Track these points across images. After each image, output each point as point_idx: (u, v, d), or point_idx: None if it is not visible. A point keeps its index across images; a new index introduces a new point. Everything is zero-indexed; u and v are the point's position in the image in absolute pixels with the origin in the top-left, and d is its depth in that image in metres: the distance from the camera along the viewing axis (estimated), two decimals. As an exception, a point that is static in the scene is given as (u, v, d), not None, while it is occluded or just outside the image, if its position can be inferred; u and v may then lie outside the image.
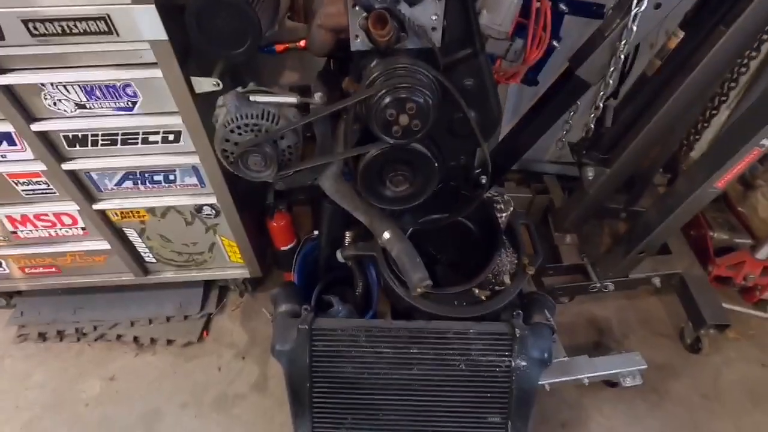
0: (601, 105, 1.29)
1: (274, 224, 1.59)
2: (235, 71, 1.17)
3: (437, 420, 1.29)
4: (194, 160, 1.23)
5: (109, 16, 0.91)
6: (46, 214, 1.37)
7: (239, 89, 0.87)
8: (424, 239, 1.51)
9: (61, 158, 1.20)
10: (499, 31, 0.93)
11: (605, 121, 1.40)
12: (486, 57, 0.85)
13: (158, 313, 1.70)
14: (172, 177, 1.29)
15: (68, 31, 0.93)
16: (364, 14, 0.75)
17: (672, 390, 1.52)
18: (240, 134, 0.84)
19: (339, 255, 1.47)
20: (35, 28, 0.92)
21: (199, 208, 1.39)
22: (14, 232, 1.42)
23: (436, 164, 0.92)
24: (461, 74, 0.86)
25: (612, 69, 1.19)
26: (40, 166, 1.21)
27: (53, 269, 1.57)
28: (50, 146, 1.17)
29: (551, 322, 1.30)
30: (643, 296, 1.78)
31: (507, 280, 1.36)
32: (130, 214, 1.39)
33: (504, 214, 1.43)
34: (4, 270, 1.57)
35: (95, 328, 1.68)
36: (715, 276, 1.67)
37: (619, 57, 1.16)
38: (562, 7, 1.32)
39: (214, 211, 1.40)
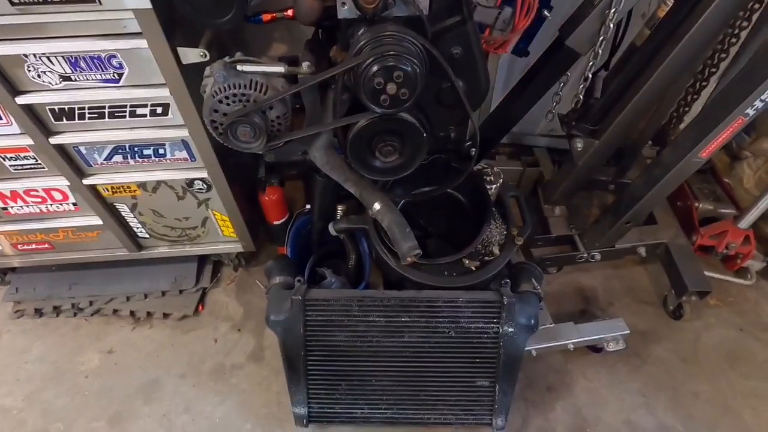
0: (590, 75, 1.29)
1: (266, 198, 1.60)
2: (223, 42, 1.15)
3: (428, 385, 1.34)
4: (183, 133, 1.22)
5: (90, -16, 0.89)
6: (36, 190, 1.37)
7: (227, 59, 0.86)
8: (416, 212, 1.53)
9: (49, 132, 1.19)
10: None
11: (594, 91, 1.40)
12: (474, 25, 0.85)
13: (153, 287, 1.72)
14: (161, 151, 1.29)
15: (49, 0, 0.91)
16: (351, -20, 0.75)
17: (653, 354, 1.58)
18: (228, 104, 0.84)
19: (331, 228, 1.49)
20: (15, -4, 0.90)
21: (190, 183, 1.39)
22: (5, 209, 1.42)
23: (424, 134, 0.93)
24: (449, 42, 0.86)
25: (602, 38, 1.19)
26: (27, 141, 1.20)
27: (46, 245, 1.58)
28: (37, 120, 1.16)
29: (538, 291, 1.34)
30: (629, 266, 1.83)
31: (496, 250, 1.39)
32: (121, 189, 1.39)
33: (493, 186, 1.45)
34: (-3, 247, 1.57)
35: (91, 303, 1.70)
36: (699, 245, 1.71)
37: (609, 26, 1.16)
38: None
39: (205, 186, 1.40)
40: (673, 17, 1.20)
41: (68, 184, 1.33)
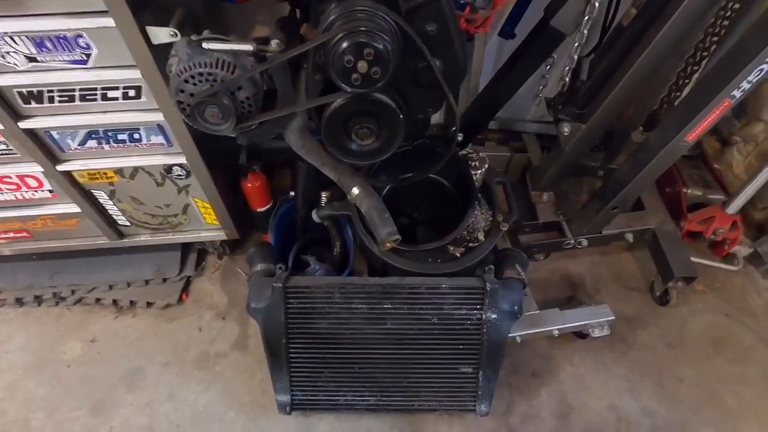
0: (576, 57, 1.26)
1: (249, 185, 1.57)
2: (198, 23, 1.11)
3: (411, 371, 1.33)
4: (158, 117, 1.19)
5: (49, -42, 0.85)
6: (9, 177, 1.33)
7: (192, 37, 0.83)
8: (402, 199, 1.51)
9: (18, 116, 1.16)
10: (467, -25, 0.89)
11: (581, 74, 1.37)
12: (450, 1, 0.81)
13: (136, 276, 1.70)
14: (137, 136, 1.25)
15: (6, -26, 0.87)
16: (320, -48, 0.72)
17: (639, 340, 1.58)
18: (195, 84, 0.81)
19: (314, 215, 1.47)
20: (-29, -29, 0.86)
21: (168, 169, 1.36)
22: (-21, 196, 1.39)
23: (401, 116, 0.91)
24: (424, 19, 0.83)
25: (587, 18, 1.16)
26: (-4, 125, 1.16)
27: (24, 234, 1.55)
28: (4, 103, 1.12)
29: (522, 277, 1.33)
30: (617, 252, 1.82)
31: (481, 237, 1.38)
32: (98, 176, 1.36)
33: (479, 172, 1.43)
34: (-26, 235, 1.54)
35: (73, 292, 1.67)
36: (687, 231, 1.70)
37: (594, 5, 1.13)
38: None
39: (184, 172, 1.37)
40: (661, -3, 1.17)
41: (42, 170, 1.30)
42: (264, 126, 0.92)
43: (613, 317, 1.46)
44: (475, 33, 1.09)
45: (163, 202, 1.49)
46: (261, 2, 1.00)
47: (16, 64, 1.05)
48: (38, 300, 1.67)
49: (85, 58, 1.05)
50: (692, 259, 1.62)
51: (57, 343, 1.59)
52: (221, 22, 1.43)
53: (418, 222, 1.58)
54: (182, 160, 1.32)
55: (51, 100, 1.13)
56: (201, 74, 0.80)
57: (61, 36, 1.00)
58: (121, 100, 1.15)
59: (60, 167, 1.29)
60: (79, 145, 1.26)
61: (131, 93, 1.14)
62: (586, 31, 1.19)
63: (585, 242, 1.65)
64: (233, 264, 1.78)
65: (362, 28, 0.73)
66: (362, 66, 0.75)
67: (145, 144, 1.28)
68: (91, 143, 1.26)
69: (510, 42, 1.60)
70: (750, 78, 1.09)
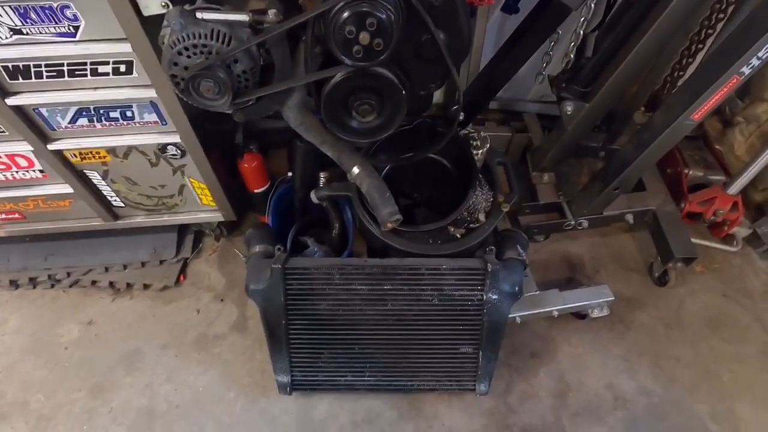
0: (582, 33, 1.22)
1: (245, 165, 1.54)
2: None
3: (411, 352, 1.33)
4: (151, 93, 1.15)
5: None
6: (-1, 156, 1.30)
7: (186, 6, 0.79)
8: (402, 179, 1.49)
9: (5, 92, 1.11)
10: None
11: (586, 51, 1.34)
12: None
13: (132, 258, 1.68)
14: (129, 114, 1.22)
15: (-14, -62, 0.82)
16: None
17: (637, 320, 1.59)
18: (189, 57, 0.77)
19: (313, 196, 1.45)
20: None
21: (162, 148, 1.32)
22: (-32, 176, 1.35)
23: (403, 91, 0.88)
24: (428, -13, 0.79)
25: (593, -9, 1.12)
26: (-19, 102, 1.12)
27: (17, 215, 1.52)
28: (-10, 79, 1.08)
29: (523, 258, 1.32)
30: (617, 234, 1.81)
31: (482, 217, 1.36)
32: (90, 155, 1.32)
33: (480, 152, 1.40)
34: (-36, 217, 1.51)
35: (68, 274, 1.65)
36: (687, 212, 1.70)
37: (602, -23, 1.09)
38: None
39: (179, 151, 1.34)
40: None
41: (32, 149, 1.26)
42: (261, 102, 0.89)
43: (613, 298, 1.47)
44: (479, 5, 1.05)
45: (158, 183, 1.46)
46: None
47: (0, 37, 1.00)
48: (33, 282, 1.65)
49: (73, 30, 1.01)
50: (692, 240, 1.62)
51: (53, 326, 1.57)
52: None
53: (419, 203, 1.56)
54: (177, 139, 1.28)
55: (39, 75, 1.09)
56: (195, 46, 0.76)
57: (47, 6, 0.96)
58: (111, 76, 1.11)
59: (50, 146, 1.26)
60: (69, 123, 1.22)
61: (122, 68, 1.10)
62: (593, 5, 1.15)
63: (585, 223, 1.64)
64: (231, 246, 1.77)
65: (364, -2, 0.70)
66: (364, 37, 0.72)
67: (138, 122, 1.24)
68: (82, 121, 1.22)
69: (512, 18, 1.56)
70: (760, 54, 1.06)
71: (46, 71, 1.08)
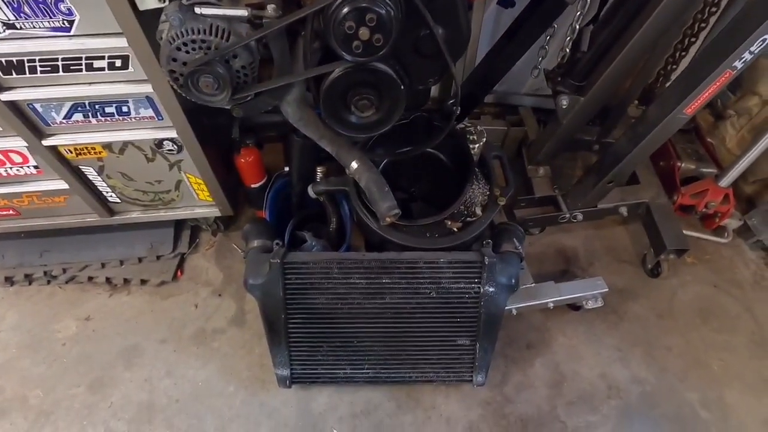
0: (578, 27, 1.23)
1: (242, 160, 1.54)
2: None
3: (409, 344, 1.35)
4: (147, 89, 1.14)
5: None
6: (-8, 152, 1.28)
7: (183, 1, 0.78)
8: (399, 173, 1.50)
9: (-2, 87, 1.10)
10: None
11: (581, 45, 1.35)
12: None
13: (129, 254, 1.67)
14: (125, 109, 1.21)
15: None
16: None
17: (630, 311, 1.62)
18: (187, 52, 0.77)
19: (310, 191, 1.45)
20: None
21: (159, 143, 1.32)
22: (-39, 172, 1.34)
23: (402, 87, 0.88)
24: (428, -17, 0.80)
25: (590, -15, 1.12)
26: (-26, 97, 1.11)
27: (11, 211, 1.51)
28: (-17, 74, 1.06)
29: (519, 251, 1.34)
30: (611, 226, 1.84)
31: (479, 211, 1.37)
32: (86, 151, 1.31)
33: (477, 145, 1.41)
34: (-42, 213, 1.50)
35: (65, 270, 1.65)
36: (680, 204, 1.72)
37: (598, -29, 1.10)
38: None
39: (175, 147, 1.33)
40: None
41: (26, 145, 1.25)
42: (260, 97, 0.89)
43: (607, 289, 1.49)
44: (479, 0, 1.05)
45: (155, 178, 1.45)
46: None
47: (-7, 32, 0.99)
48: (29, 279, 1.65)
49: (68, 25, 1.00)
50: (684, 232, 1.65)
51: (51, 322, 1.57)
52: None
53: (416, 196, 1.57)
54: (173, 134, 1.28)
55: (33, 70, 1.08)
56: (194, 41, 0.76)
57: (41, 0, 0.94)
58: (107, 71, 1.10)
59: (45, 142, 1.25)
60: (64, 118, 1.21)
61: (118, 63, 1.09)
62: (589, 0, 1.16)
63: (580, 216, 1.66)
64: (228, 240, 1.77)
65: (363, -8, 0.70)
66: (363, 33, 0.72)
67: (134, 117, 1.23)
68: (77, 116, 1.21)
69: (508, 11, 1.56)
70: (753, 48, 1.08)
71: (41, 66, 1.07)
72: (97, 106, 1.19)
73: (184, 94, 0.84)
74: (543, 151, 1.69)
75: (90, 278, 1.65)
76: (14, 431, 1.36)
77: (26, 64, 1.07)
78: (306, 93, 0.97)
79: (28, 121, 1.20)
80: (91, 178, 1.41)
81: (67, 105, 1.18)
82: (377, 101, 0.90)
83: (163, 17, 0.81)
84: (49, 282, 1.65)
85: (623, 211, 1.68)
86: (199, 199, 1.57)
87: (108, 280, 1.65)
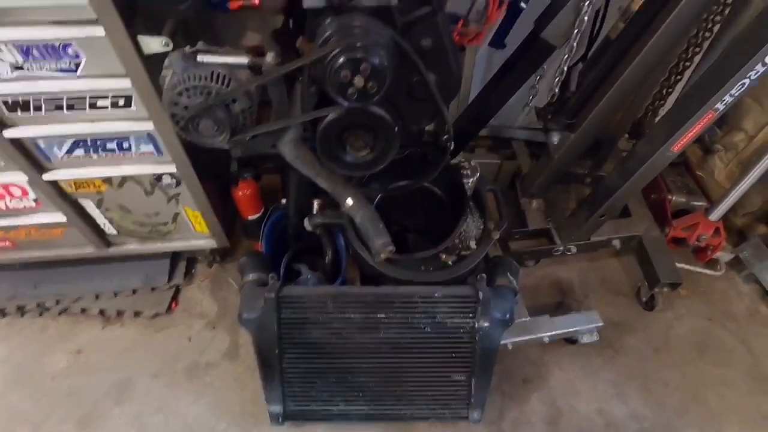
0: (566, 69, 1.28)
1: (240, 193, 1.56)
2: (190, 31, 1.10)
3: (404, 380, 1.33)
4: (148, 126, 1.17)
5: (38, -33, 0.84)
6: (-7, 186, 1.30)
7: (187, 48, 0.82)
8: (393, 207, 1.51)
9: (2, 125, 1.13)
10: (460, -10, 0.90)
11: (570, 85, 1.40)
12: (444, 15, 0.82)
13: (124, 285, 1.67)
14: (126, 145, 1.23)
15: (-6, -17, 0.85)
16: (316, -30, 0.72)
17: (626, 344, 1.61)
18: (189, 97, 0.80)
19: (306, 224, 1.46)
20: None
21: (158, 178, 1.34)
22: (-40, 205, 1.35)
23: (396, 128, 0.91)
24: (419, 34, 0.84)
25: (576, 31, 1.18)
26: (-22, 134, 1.13)
27: (7, 243, 1.51)
28: (-12, 112, 1.09)
29: (514, 285, 1.35)
30: (604, 258, 1.85)
31: (473, 245, 1.39)
32: (85, 185, 1.33)
33: (470, 180, 1.44)
34: (-46, 245, 1.50)
35: (58, 302, 1.64)
36: (672, 237, 1.74)
37: (583, 19, 1.15)
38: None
39: (174, 181, 1.35)
40: (647, 10, 1.20)
41: (27, 179, 1.27)
42: (258, 138, 0.91)
43: (602, 323, 1.49)
44: (468, 45, 1.10)
45: (153, 211, 1.47)
46: (254, 12, 0.99)
47: (1, 73, 1.02)
48: (21, 311, 1.63)
49: (74, 67, 1.03)
50: (677, 265, 1.66)
51: (41, 355, 1.55)
52: (212, 30, 1.42)
53: (410, 229, 1.58)
54: (172, 169, 1.30)
55: (38, 108, 1.11)
56: (195, 87, 0.79)
57: (49, 45, 0.98)
58: (110, 109, 1.13)
59: (46, 176, 1.27)
60: (66, 153, 1.24)
61: (121, 102, 1.12)
62: (575, 44, 1.21)
63: (574, 249, 1.68)
64: (224, 272, 1.77)
65: (359, 44, 0.73)
66: (358, 81, 0.75)
67: (135, 153, 1.26)
68: (79, 152, 1.24)
69: (500, 52, 1.62)
70: (733, 92, 1.13)
71: (46, 105, 1.10)
72: (98, 142, 1.22)
73: (184, 136, 0.86)
74: (536, 185, 1.72)
75: (83, 310, 1.64)
76: (-3, 471, 1.32)
77: (32, 103, 1.10)
78: (302, 132, 1.00)
79: (30, 156, 1.22)
80: (89, 210, 1.43)
81: (69, 141, 1.21)
82: (372, 142, 0.93)
83: (166, 63, 0.84)
84: (41, 314, 1.63)
85: (616, 243, 1.70)
86: (196, 231, 1.58)
87: (101, 312, 1.64)
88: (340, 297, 1.26)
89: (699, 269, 1.78)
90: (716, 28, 1.51)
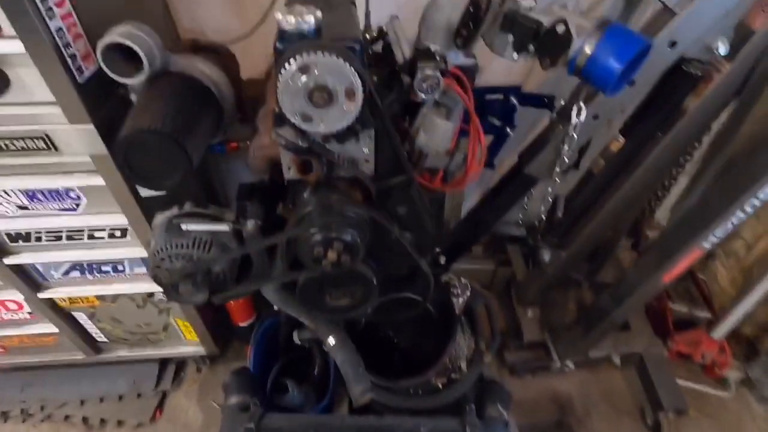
0: (551, 199, 1.31)
1: (231, 301, 1.57)
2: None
3: None
4: (142, 253, 1.21)
5: (47, 136, 0.91)
6: (-10, 302, 1.33)
7: (173, 213, 0.86)
8: (381, 322, 1.50)
9: (4, 252, 1.18)
10: (438, 151, 0.95)
11: (557, 211, 1.42)
12: (418, 185, 0.86)
13: (110, 390, 1.64)
14: (120, 267, 1.27)
15: (4, 149, 0.92)
16: (292, 153, 0.77)
17: (632, 475, 1.50)
18: (171, 262, 0.83)
19: (295, 337, 1.45)
20: (-31, 144, 0.92)
21: (151, 294, 1.36)
22: (-43, 316, 1.38)
23: (374, 281, 0.92)
24: (394, 202, 0.87)
25: (558, 169, 1.22)
26: (-20, 260, 1.18)
27: (-1, 349, 1.52)
28: (-9, 242, 1.15)
29: (504, 417, 1.29)
30: (606, 369, 1.77)
31: (464, 366, 1.35)
32: (79, 301, 1.36)
33: (461, 299, 1.43)
34: (-53, 350, 1.51)
35: (42, 408, 1.61)
36: (676, 351, 1.68)
37: (564, 159, 1.19)
38: (513, 100, 1.37)
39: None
40: (626, 151, 1.24)
41: (23, 297, 1.30)
42: (239, 288, 0.93)
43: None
44: (451, 192, 1.13)
45: (144, 322, 1.48)
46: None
47: (6, 212, 1.09)
48: (5, 416, 1.60)
49: (75, 206, 1.09)
50: (683, 382, 1.59)
51: (18, 468, 1.50)
52: (205, 165, 1.46)
53: (396, 345, 1.55)
54: (164, 287, 1.32)
55: (38, 239, 1.16)
56: (177, 255, 0.82)
57: (54, 190, 1.05)
58: (107, 239, 1.18)
59: (42, 295, 1.30)
60: (62, 275, 1.27)
61: (117, 234, 1.17)
62: (558, 179, 1.25)
63: (572, 365, 1.62)
64: (213, 376, 1.73)
65: (333, 224, 0.77)
66: (332, 256, 0.78)
67: (129, 274, 1.29)
68: (75, 274, 1.28)
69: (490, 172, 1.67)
70: (717, 233, 1.13)
71: (46, 236, 1.16)
72: (94, 266, 1.26)
73: (166, 297, 0.88)
74: (531, 293, 1.70)
75: (66, 417, 1.60)
76: None
77: (33, 236, 1.15)
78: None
79: (28, 278, 1.26)
80: (81, 322, 1.45)
81: (66, 265, 1.25)
82: (350, 292, 0.94)
83: (154, 222, 0.88)
84: (24, 420, 1.60)
85: (616, 360, 1.64)
86: (186, 338, 1.57)
87: (84, 419, 1.60)
88: (321, 428, 1.21)
89: (706, 389, 1.69)
90: (705, 139, 1.50)
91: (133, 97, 0.88)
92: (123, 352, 1.59)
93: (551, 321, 1.72)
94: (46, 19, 0.77)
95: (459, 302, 1.43)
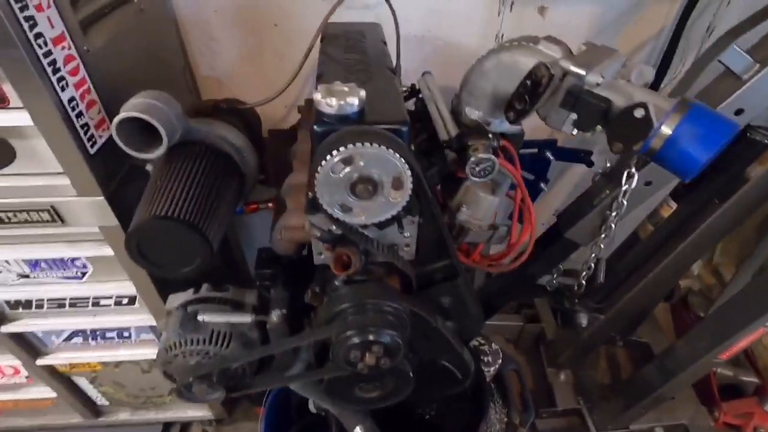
0: (593, 265, 1.20)
1: (243, 364, 1.46)
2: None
3: None
4: (151, 321, 1.11)
5: (53, 208, 0.83)
6: (-15, 367, 1.24)
7: (188, 297, 0.77)
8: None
9: (2, 320, 1.09)
10: (480, 225, 0.86)
11: (598, 277, 1.31)
12: (465, 277, 0.77)
13: (109, 456, 1.52)
14: (126, 334, 1.18)
15: (6, 221, 0.84)
16: (329, 240, 0.68)
17: None
18: (184, 358, 0.74)
19: (312, 406, 1.33)
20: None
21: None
22: (-50, 380, 1.28)
23: (411, 375, 0.82)
24: (439, 292, 0.78)
25: (603, 236, 1.12)
26: (-24, 327, 1.09)
27: (-7, 412, 1.42)
28: (-11, 309, 1.06)
29: None
30: (646, 439, 1.63)
31: (496, 445, 1.22)
32: (81, 366, 1.26)
33: (492, 368, 1.31)
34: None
35: (34, 476, 1.49)
36: (723, 423, 1.53)
37: (611, 226, 1.09)
38: (548, 155, 1.29)
39: (174, 362, 1.27)
40: (677, 217, 1.14)
41: (20, 363, 1.21)
42: (259, 383, 0.83)
43: None
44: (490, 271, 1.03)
45: (149, 386, 1.37)
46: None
47: (6, 281, 1.00)
48: (-6, 484, 1.49)
49: (81, 275, 1.01)
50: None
51: None
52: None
53: (424, 419, 1.43)
54: (172, 354, 1.22)
55: (40, 306, 1.07)
56: (192, 350, 0.73)
57: (58, 259, 0.96)
58: (113, 307, 1.09)
59: (40, 361, 1.20)
60: (63, 341, 1.18)
61: (125, 301, 1.08)
62: (602, 245, 1.14)
63: (611, 438, 1.48)
64: (219, 440, 1.61)
65: (371, 326, 0.67)
66: (370, 359, 0.68)
67: (135, 341, 1.20)
68: (77, 340, 1.18)
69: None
70: (786, 313, 1.01)
71: (48, 304, 1.07)
72: (98, 332, 1.16)
73: (177, 396, 0.78)
74: (564, 356, 1.58)
75: (60, 486, 1.48)
76: None
77: (34, 303, 1.06)
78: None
79: (27, 344, 1.17)
80: (81, 386, 1.34)
81: (68, 331, 1.15)
82: (382, 385, 0.83)
83: (167, 308, 0.79)
84: (14, 490, 1.48)
85: (659, 433, 1.50)
86: (193, 402, 1.46)
87: (79, 489, 1.47)
88: None
89: (762, 467, 1.54)
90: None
91: (149, 167, 0.80)
92: (124, 416, 1.47)
93: (584, 383, 1.59)
94: (58, 90, 0.70)
95: (490, 372, 1.32)
